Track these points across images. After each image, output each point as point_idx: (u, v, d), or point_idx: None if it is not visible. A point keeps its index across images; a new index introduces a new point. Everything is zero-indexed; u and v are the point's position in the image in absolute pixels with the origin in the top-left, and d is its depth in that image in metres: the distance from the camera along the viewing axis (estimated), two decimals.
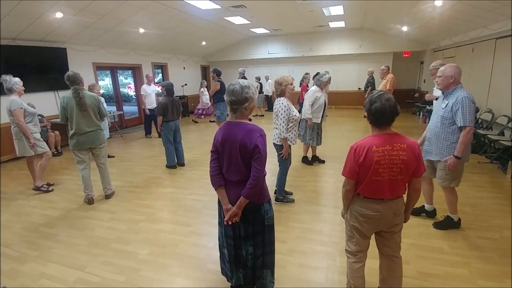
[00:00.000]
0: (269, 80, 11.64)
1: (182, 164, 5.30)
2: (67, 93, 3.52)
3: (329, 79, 4.74)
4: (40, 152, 4.11)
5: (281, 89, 3.34)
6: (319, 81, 4.64)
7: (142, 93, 7.61)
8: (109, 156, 5.84)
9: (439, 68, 2.80)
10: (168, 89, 5.00)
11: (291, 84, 3.40)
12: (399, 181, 1.70)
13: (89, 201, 3.81)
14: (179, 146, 5.26)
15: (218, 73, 6.60)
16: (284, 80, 3.34)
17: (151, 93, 7.61)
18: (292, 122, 3.35)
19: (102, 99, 5.70)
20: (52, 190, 4.28)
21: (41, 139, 4.16)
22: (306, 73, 7.17)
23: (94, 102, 3.62)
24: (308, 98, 4.61)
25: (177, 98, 5.12)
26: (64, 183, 4.61)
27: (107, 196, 3.96)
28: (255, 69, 12.90)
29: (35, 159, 4.24)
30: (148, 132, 7.97)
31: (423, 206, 3.24)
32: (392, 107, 1.64)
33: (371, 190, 1.73)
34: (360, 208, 1.80)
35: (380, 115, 1.66)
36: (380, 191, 1.72)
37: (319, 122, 4.79)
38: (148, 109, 7.55)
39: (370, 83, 8.98)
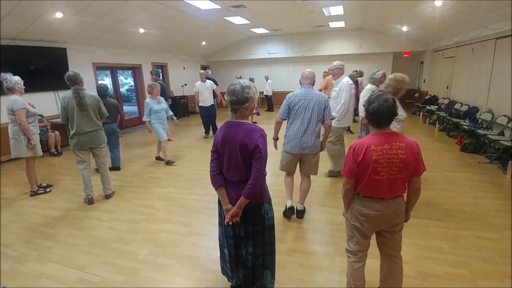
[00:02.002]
0: (269, 80, 11.64)
1: (117, 168, 5.10)
2: (67, 93, 3.52)
3: (384, 74, 4.23)
4: (39, 155, 4.08)
5: (400, 87, 3.04)
6: (372, 79, 4.36)
7: (195, 90, 7.25)
8: (171, 163, 5.34)
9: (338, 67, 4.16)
10: (98, 91, 4.62)
11: (407, 84, 3.15)
12: (399, 180, 1.70)
13: (89, 201, 3.80)
14: (115, 150, 5.09)
15: (158, 74, 6.36)
16: (404, 78, 3.06)
17: (204, 90, 7.14)
18: (398, 124, 3.08)
19: (162, 99, 5.34)
20: (50, 191, 4.28)
21: (39, 142, 4.08)
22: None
23: (94, 102, 3.62)
24: (362, 97, 4.27)
25: (112, 101, 4.85)
26: (64, 183, 4.61)
27: (107, 196, 3.96)
28: (255, 69, 12.91)
29: (34, 163, 4.12)
30: (206, 131, 7.65)
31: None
32: (390, 107, 1.65)
33: (370, 189, 1.73)
34: (360, 207, 1.80)
35: (378, 116, 1.68)
36: (380, 190, 1.72)
37: None
38: (202, 106, 7.20)
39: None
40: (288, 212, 3.27)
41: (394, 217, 1.78)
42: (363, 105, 1.78)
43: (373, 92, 1.78)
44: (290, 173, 3.29)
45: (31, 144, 3.86)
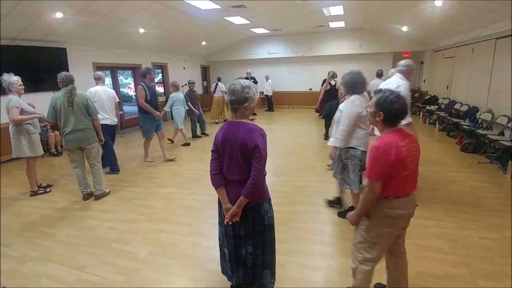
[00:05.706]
0: (269, 80, 11.64)
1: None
2: (57, 93, 3.62)
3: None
4: (39, 154, 4.08)
5: None
6: None
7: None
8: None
9: None
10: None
11: None
12: (416, 173, 1.74)
13: (84, 197, 3.89)
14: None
15: (143, 75, 5.28)
16: None
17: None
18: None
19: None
20: (50, 191, 4.28)
21: (39, 142, 4.10)
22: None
23: (82, 101, 3.68)
24: None
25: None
26: (64, 183, 4.60)
27: (96, 197, 3.94)
28: (255, 69, 12.90)
29: (34, 162, 4.11)
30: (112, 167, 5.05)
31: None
32: (406, 106, 1.70)
33: (401, 187, 1.68)
34: (391, 210, 1.69)
35: (401, 115, 1.69)
36: (407, 186, 1.71)
37: None
38: (105, 124, 4.78)
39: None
40: None
41: (414, 211, 1.79)
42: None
43: (383, 91, 1.71)
44: None
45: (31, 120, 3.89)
